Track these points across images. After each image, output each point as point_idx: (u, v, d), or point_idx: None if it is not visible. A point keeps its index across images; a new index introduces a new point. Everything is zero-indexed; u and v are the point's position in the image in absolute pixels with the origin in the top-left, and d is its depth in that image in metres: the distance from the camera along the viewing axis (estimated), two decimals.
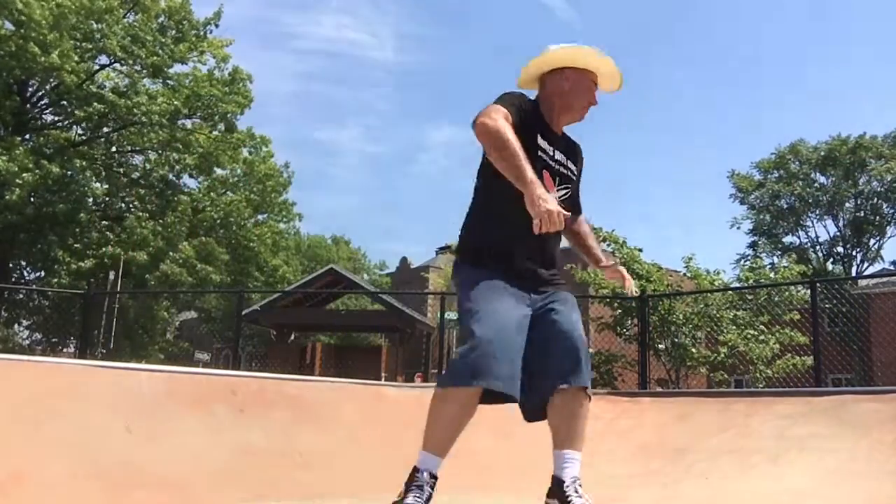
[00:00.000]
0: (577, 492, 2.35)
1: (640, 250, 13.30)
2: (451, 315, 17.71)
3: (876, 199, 35.30)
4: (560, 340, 2.41)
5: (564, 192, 2.60)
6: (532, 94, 2.66)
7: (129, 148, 23.31)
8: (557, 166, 2.59)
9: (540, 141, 2.51)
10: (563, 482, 2.37)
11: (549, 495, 2.45)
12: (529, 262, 2.53)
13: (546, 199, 2.19)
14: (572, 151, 2.70)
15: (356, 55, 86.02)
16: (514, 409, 2.49)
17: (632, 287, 2.84)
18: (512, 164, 2.26)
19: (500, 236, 2.50)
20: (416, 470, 2.36)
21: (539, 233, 2.20)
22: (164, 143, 21.96)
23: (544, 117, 2.60)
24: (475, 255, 2.55)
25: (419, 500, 2.29)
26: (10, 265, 22.83)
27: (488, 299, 2.37)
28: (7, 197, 18.65)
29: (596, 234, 15.05)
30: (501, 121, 2.31)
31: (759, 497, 3.59)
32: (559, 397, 2.42)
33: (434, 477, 2.36)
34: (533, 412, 2.49)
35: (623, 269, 2.87)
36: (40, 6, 18.75)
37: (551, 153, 2.57)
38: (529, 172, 2.24)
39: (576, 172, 2.71)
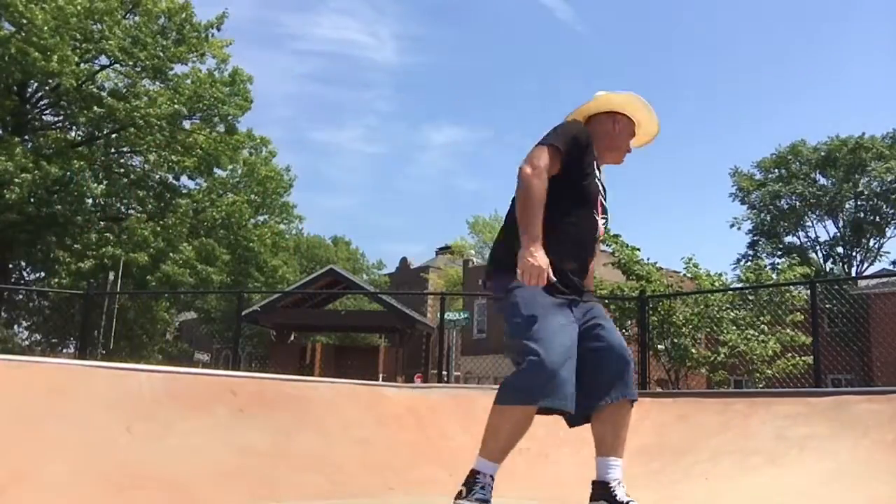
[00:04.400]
0: (622, 490, 2.59)
1: (638, 250, 13.30)
2: (451, 315, 17.76)
3: (876, 200, 35.29)
4: (612, 356, 2.61)
5: (604, 220, 2.87)
6: None
7: (129, 149, 23.30)
8: (602, 196, 2.84)
9: (596, 170, 2.77)
10: (609, 483, 2.59)
11: (593, 499, 2.64)
12: (576, 276, 2.68)
13: (538, 258, 2.43)
14: (604, 188, 2.95)
15: (356, 56, 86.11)
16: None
17: None
18: (528, 215, 2.50)
19: (552, 252, 2.55)
20: (476, 472, 2.50)
21: (524, 280, 2.43)
22: (162, 145, 21.93)
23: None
24: None
25: (486, 495, 2.46)
26: (10, 266, 22.83)
27: (548, 317, 2.50)
28: (7, 197, 18.65)
29: None
30: (539, 175, 2.54)
31: (759, 497, 3.59)
32: (609, 408, 2.62)
33: (492, 479, 2.52)
34: (577, 420, 2.65)
35: None
36: (42, 11, 18.74)
37: (603, 183, 2.85)
38: (537, 230, 2.47)
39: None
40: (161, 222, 21.73)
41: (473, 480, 2.48)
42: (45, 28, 18.70)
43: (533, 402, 2.41)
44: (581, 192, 2.71)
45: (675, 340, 11.77)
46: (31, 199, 19.91)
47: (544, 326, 2.46)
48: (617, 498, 2.55)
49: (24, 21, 18.67)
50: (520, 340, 2.49)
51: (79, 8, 19.53)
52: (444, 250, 49.16)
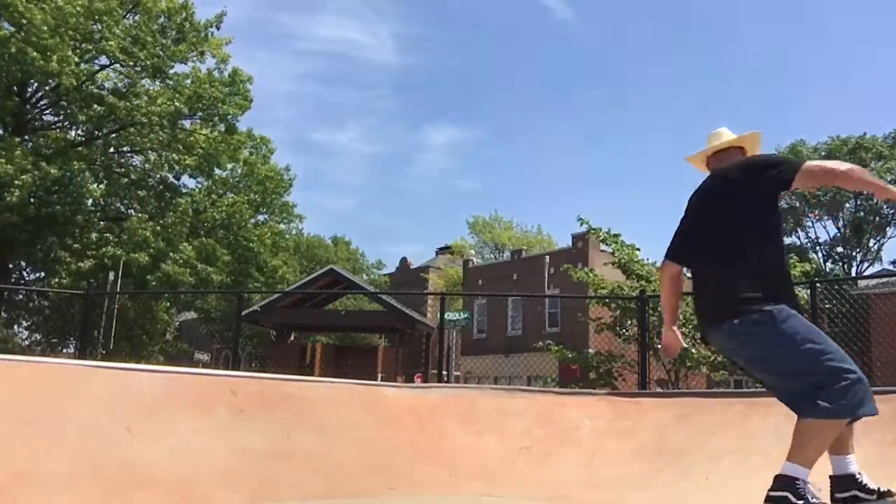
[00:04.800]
0: (869, 479, 2.85)
1: (639, 249, 13.26)
2: (451, 315, 17.76)
3: (876, 200, 35.26)
4: None
5: None
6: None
7: (129, 149, 23.31)
8: None
9: None
10: (854, 475, 2.85)
11: (840, 491, 2.86)
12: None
13: None
14: None
15: (356, 56, 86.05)
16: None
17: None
18: (878, 182, 2.84)
19: (786, 283, 2.95)
20: (794, 479, 2.67)
21: None
22: (163, 144, 21.95)
23: None
24: (783, 300, 2.87)
25: (818, 500, 2.64)
26: (10, 266, 22.83)
27: (827, 337, 2.79)
28: (7, 198, 18.65)
29: (595, 235, 14.63)
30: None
31: (759, 498, 3.58)
32: None
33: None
34: None
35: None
36: (41, 11, 18.75)
37: None
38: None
39: None
40: (161, 222, 21.74)
41: (795, 486, 2.64)
42: (45, 28, 18.70)
43: (862, 414, 2.67)
44: (782, 224, 3.07)
45: None
46: (31, 200, 19.91)
47: (833, 346, 2.73)
48: (868, 486, 2.81)
49: (24, 21, 18.67)
50: (821, 361, 2.69)
51: (78, 8, 19.53)
52: (444, 250, 49.15)
